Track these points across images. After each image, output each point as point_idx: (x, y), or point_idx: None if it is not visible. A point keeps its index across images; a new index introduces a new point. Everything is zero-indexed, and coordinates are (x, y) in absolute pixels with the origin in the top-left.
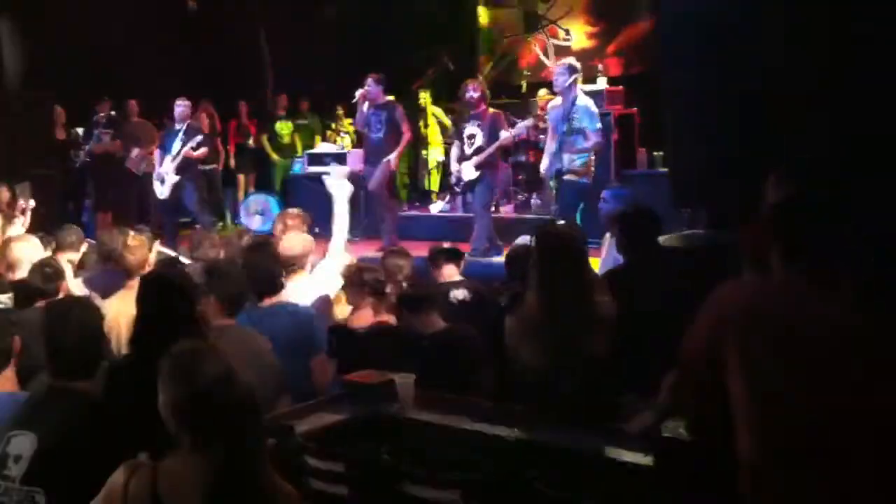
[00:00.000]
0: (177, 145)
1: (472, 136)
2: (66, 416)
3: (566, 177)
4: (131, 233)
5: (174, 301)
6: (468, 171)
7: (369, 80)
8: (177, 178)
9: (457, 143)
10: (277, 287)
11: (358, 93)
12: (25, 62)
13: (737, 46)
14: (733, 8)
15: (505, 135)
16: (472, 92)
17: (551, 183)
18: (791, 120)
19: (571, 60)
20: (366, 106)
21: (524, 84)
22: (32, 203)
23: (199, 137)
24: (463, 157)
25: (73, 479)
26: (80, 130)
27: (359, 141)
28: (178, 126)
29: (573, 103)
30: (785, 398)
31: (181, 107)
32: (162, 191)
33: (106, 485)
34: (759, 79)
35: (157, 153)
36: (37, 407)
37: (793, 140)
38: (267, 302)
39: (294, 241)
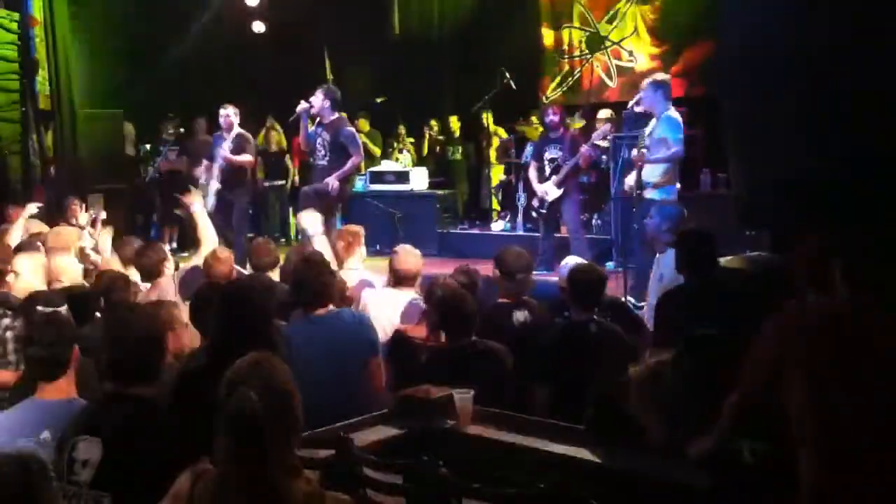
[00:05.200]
0: (223, 153)
1: (553, 160)
2: (130, 420)
3: (646, 193)
4: (219, 246)
5: (247, 312)
6: (552, 191)
7: (317, 92)
8: (218, 185)
9: (534, 165)
10: (324, 300)
11: (299, 107)
12: (97, 81)
13: (802, 70)
14: (799, 33)
15: (585, 148)
16: (552, 116)
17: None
18: (857, 145)
19: (658, 76)
20: (310, 125)
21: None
22: (104, 214)
23: (248, 147)
24: (544, 180)
25: (139, 483)
26: (148, 147)
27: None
28: (226, 135)
29: (660, 117)
30: (849, 414)
31: (225, 115)
32: (208, 202)
33: (171, 489)
34: (825, 103)
35: (204, 163)
36: (100, 412)
37: (859, 165)
38: (320, 311)
39: (411, 258)
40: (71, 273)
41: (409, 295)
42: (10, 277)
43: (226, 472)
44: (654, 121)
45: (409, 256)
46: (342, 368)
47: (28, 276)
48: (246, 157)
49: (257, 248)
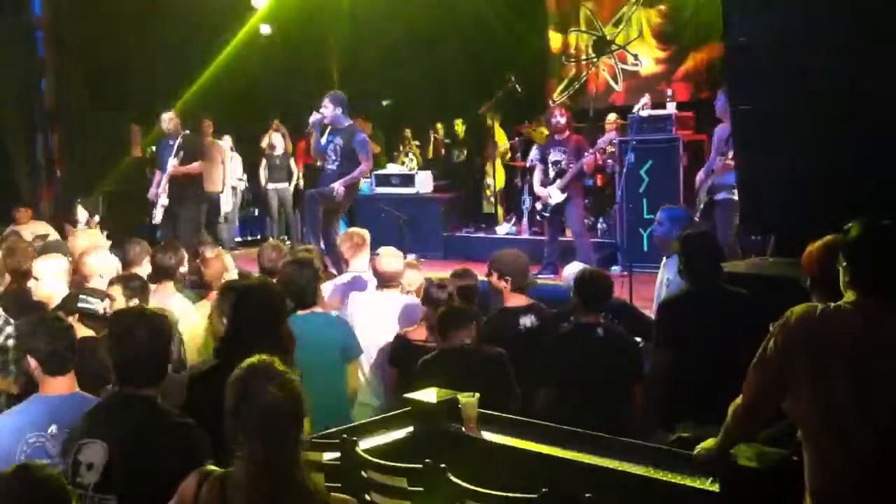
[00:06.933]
0: (171, 162)
1: (556, 162)
2: (135, 423)
3: (719, 196)
4: (209, 246)
5: (255, 313)
6: (555, 195)
7: (325, 101)
8: (167, 202)
9: (539, 168)
10: (309, 302)
11: (312, 118)
12: (103, 83)
13: (806, 72)
14: (802, 34)
15: (588, 156)
16: (559, 118)
17: (702, 196)
18: (862, 147)
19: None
20: (324, 135)
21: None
22: (97, 217)
23: (197, 150)
24: (547, 183)
25: (144, 486)
26: (154, 148)
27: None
28: (171, 141)
29: None
30: (855, 418)
31: (169, 119)
32: (154, 214)
33: (177, 492)
34: (830, 105)
35: (157, 174)
36: (106, 415)
37: (864, 167)
38: (301, 312)
39: (392, 259)
40: (109, 269)
41: (397, 297)
42: (30, 283)
43: (246, 472)
44: (725, 125)
45: (390, 259)
46: (315, 369)
47: (49, 280)
48: (195, 165)
49: (266, 250)
